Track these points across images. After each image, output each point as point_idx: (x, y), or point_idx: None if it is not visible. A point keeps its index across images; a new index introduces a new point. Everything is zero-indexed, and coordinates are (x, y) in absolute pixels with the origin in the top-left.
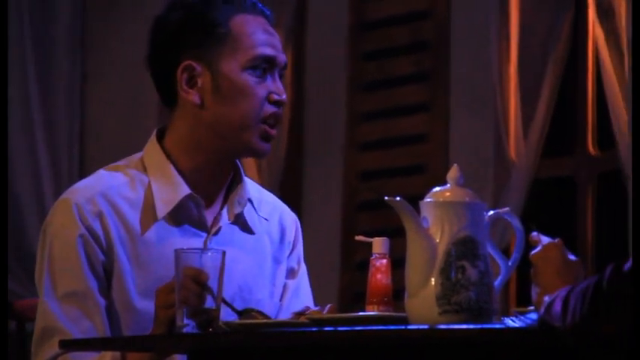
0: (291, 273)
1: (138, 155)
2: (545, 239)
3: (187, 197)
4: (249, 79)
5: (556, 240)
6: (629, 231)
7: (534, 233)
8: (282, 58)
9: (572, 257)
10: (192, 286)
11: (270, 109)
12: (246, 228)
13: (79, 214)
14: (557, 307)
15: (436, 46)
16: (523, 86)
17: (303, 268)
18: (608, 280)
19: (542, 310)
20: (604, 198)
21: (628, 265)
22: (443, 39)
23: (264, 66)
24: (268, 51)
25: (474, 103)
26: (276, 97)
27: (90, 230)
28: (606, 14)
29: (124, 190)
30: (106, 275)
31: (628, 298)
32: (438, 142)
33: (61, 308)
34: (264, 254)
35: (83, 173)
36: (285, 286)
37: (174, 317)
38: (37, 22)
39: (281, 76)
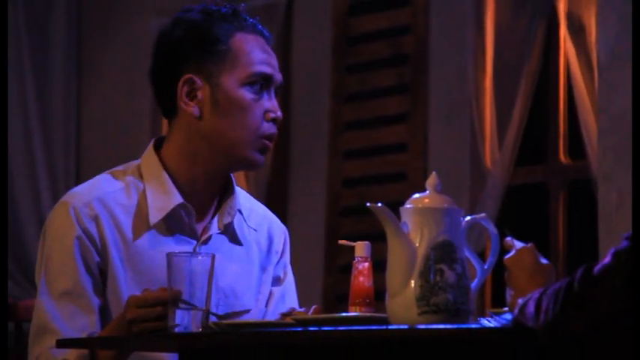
0: (277, 281)
1: (135, 162)
2: (519, 244)
3: (179, 206)
4: (246, 94)
5: (529, 245)
6: (599, 237)
7: (508, 238)
8: (279, 77)
9: (544, 261)
10: (135, 312)
11: (267, 127)
12: (234, 238)
13: (76, 217)
14: (531, 308)
15: (416, 60)
16: (498, 98)
17: (290, 276)
18: (579, 281)
19: (516, 311)
20: (574, 205)
21: (598, 267)
22: (422, 53)
23: (261, 83)
24: (266, 69)
25: (451, 113)
26: (272, 115)
27: (86, 233)
28: (577, 30)
29: (120, 196)
30: (101, 276)
31: (597, 298)
32: (417, 151)
33: (56, 307)
34: (252, 263)
35: (79, 179)
36: (271, 293)
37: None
38: (34, 27)
39: (276, 95)
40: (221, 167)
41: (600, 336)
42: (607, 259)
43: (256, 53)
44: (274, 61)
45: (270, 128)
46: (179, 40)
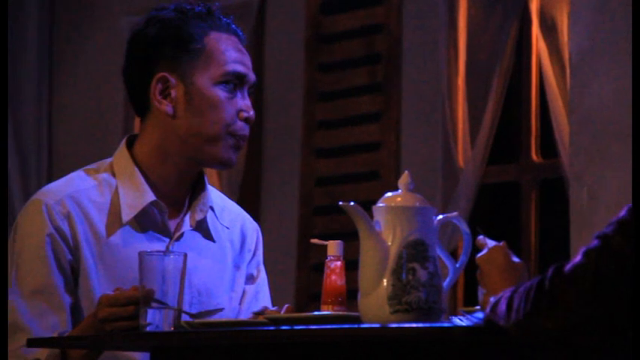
0: (250, 279)
1: (108, 160)
2: (491, 242)
3: (152, 203)
4: (220, 93)
5: (501, 243)
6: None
7: (480, 237)
8: (252, 76)
9: (516, 259)
10: (107, 311)
11: (240, 126)
12: (207, 235)
13: (48, 214)
14: (502, 306)
15: (389, 59)
16: (470, 97)
17: (263, 274)
18: (550, 280)
19: (488, 309)
20: (546, 203)
21: (568, 266)
22: (395, 52)
23: (234, 82)
24: (239, 68)
25: (424, 112)
26: (245, 114)
27: (58, 230)
28: (549, 29)
29: (92, 194)
30: (72, 274)
31: (568, 297)
32: (390, 150)
33: (27, 305)
34: (225, 261)
35: (51, 177)
36: (244, 291)
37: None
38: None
39: (250, 94)
40: (193, 165)
41: (571, 334)
42: (578, 258)
43: (230, 52)
44: (248, 61)
45: (243, 128)
46: (153, 39)
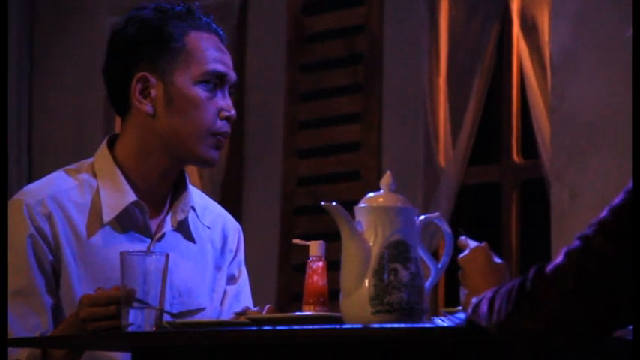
0: (231, 279)
1: (89, 160)
2: (473, 243)
3: (133, 204)
4: (200, 92)
5: (482, 244)
6: (551, 236)
7: (462, 237)
8: (233, 75)
9: (497, 260)
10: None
11: (221, 125)
12: (188, 236)
13: (29, 214)
14: (484, 307)
15: (370, 59)
16: (452, 97)
17: (244, 275)
18: (531, 280)
19: (470, 310)
20: (527, 204)
21: (550, 267)
22: (376, 52)
23: (215, 81)
24: (220, 67)
25: (405, 113)
26: (226, 113)
27: (39, 231)
28: (530, 30)
29: (73, 195)
30: (54, 274)
31: (549, 297)
32: (371, 150)
33: (9, 306)
34: (206, 261)
35: (31, 177)
36: (225, 292)
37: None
38: None
39: (230, 94)
40: (174, 164)
41: (552, 334)
42: (559, 259)
43: (210, 52)
44: (228, 60)
45: (223, 126)
46: (133, 38)
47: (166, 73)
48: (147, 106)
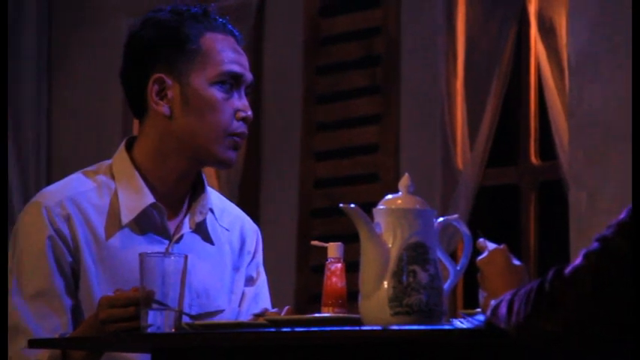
0: (249, 281)
1: (107, 162)
2: (491, 245)
3: (151, 206)
4: (216, 93)
5: (501, 246)
6: (570, 238)
7: (481, 240)
8: (249, 76)
9: (516, 262)
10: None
11: (237, 126)
12: (207, 237)
13: (48, 216)
14: (503, 309)
15: (387, 61)
16: (469, 99)
17: (263, 276)
18: (550, 282)
19: (489, 312)
20: (546, 206)
21: (569, 269)
22: (394, 54)
23: (231, 82)
24: (236, 68)
25: (423, 115)
26: (242, 114)
27: (58, 232)
28: (548, 32)
29: (92, 196)
30: (73, 276)
31: (568, 299)
32: (389, 152)
33: (28, 307)
34: (224, 262)
35: (50, 179)
36: (243, 294)
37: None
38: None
39: (247, 94)
40: (192, 166)
41: (571, 336)
42: (578, 261)
43: (226, 52)
44: (244, 61)
45: (240, 127)
46: (149, 40)
47: (182, 75)
48: (163, 108)
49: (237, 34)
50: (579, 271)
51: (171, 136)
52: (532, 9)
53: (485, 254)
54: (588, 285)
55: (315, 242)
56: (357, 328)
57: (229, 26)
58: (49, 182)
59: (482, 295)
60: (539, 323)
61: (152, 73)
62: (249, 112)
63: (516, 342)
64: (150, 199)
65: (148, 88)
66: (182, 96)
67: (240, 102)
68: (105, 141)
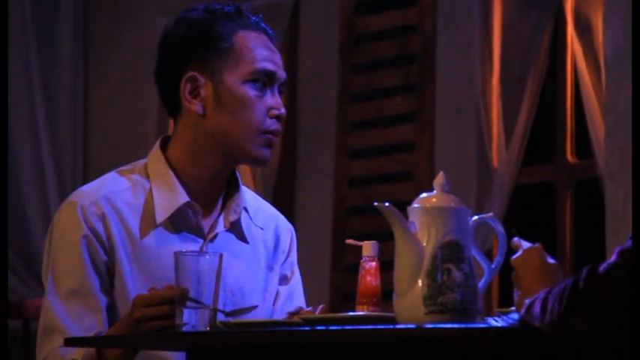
0: (284, 280)
1: (142, 161)
2: (526, 244)
3: (186, 204)
4: (249, 91)
5: (536, 245)
6: (606, 236)
7: (515, 239)
8: (282, 74)
9: (551, 261)
10: (142, 311)
11: (270, 123)
12: (241, 236)
13: (83, 215)
14: (537, 307)
15: (422, 60)
16: (505, 97)
17: (297, 275)
18: (584, 280)
19: (523, 310)
20: (582, 204)
21: (603, 266)
22: (429, 52)
23: (264, 80)
24: (269, 66)
25: (458, 113)
26: (275, 111)
27: (93, 231)
28: (584, 29)
29: (127, 195)
30: (108, 275)
31: (602, 297)
32: (424, 151)
33: (63, 306)
34: (259, 261)
35: (86, 178)
36: (278, 292)
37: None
38: (41, 27)
39: (281, 92)
40: (226, 164)
41: (605, 335)
42: (612, 258)
43: (259, 50)
44: (278, 59)
45: (273, 124)
46: (182, 39)
47: (215, 73)
48: (196, 106)
49: (270, 31)
50: (614, 268)
51: (205, 134)
52: (568, 6)
53: (519, 253)
54: (622, 282)
55: (349, 241)
56: (392, 326)
57: (262, 24)
58: (85, 182)
59: (516, 293)
60: (573, 321)
61: (185, 71)
62: (283, 110)
63: (550, 340)
64: (184, 197)
65: (180, 87)
66: (215, 94)
67: (274, 100)
68: (140, 140)
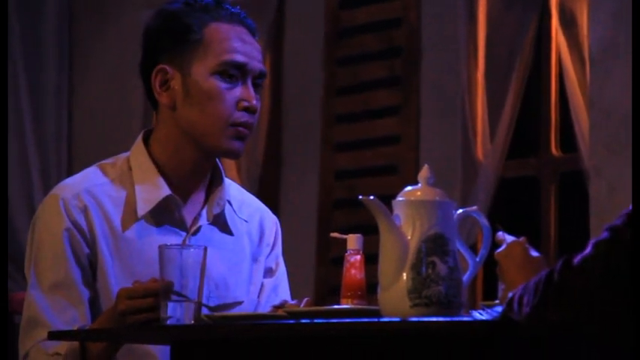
0: (269, 272)
1: (125, 155)
2: (510, 238)
3: (167, 197)
4: (217, 83)
5: (520, 238)
6: (590, 229)
7: (499, 233)
8: (256, 66)
9: (535, 254)
10: (126, 304)
11: (239, 115)
12: (225, 229)
13: (65, 208)
14: (517, 300)
15: (407, 53)
16: (490, 91)
17: (282, 268)
18: (559, 272)
19: (505, 304)
20: (566, 197)
21: (577, 258)
22: (414, 46)
23: (233, 72)
24: (238, 58)
25: (443, 106)
26: (245, 103)
27: (75, 224)
28: (569, 23)
29: (109, 189)
30: (90, 267)
31: (576, 289)
32: (409, 144)
33: (46, 299)
34: (243, 254)
35: (71, 172)
36: (263, 285)
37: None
38: (26, 21)
39: (257, 85)
40: (201, 157)
41: (578, 326)
42: (587, 250)
43: (230, 42)
44: (253, 50)
45: (242, 116)
46: (154, 31)
47: (185, 65)
48: (166, 99)
49: (250, 23)
50: (588, 260)
51: (177, 127)
52: (553, 0)
53: (503, 247)
54: (597, 274)
55: (334, 234)
56: (376, 319)
57: (241, 15)
58: (69, 174)
59: (501, 287)
60: (546, 312)
61: (157, 64)
62: (254, 102)
63: (528, 332)
64: (165, 191)
65: (151, 79)
66: (184, 86)
67: (244, 92)
68: (126, 135)
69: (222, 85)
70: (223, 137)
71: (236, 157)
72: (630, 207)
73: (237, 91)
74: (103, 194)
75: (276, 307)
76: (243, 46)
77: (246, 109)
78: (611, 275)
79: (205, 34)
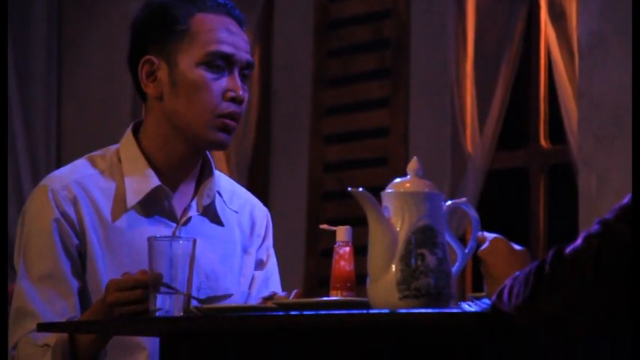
0: (260, 264)
1: (114, 147)
2: (490, 235)
3: (157, 188)
4: (203, 74)
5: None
6: (579, 221)
7: (479, 233)
8: (243, 56)
9: (518, 247)
10: (116, 296)
11: (226, 106)
12: (215, 219)
13: (54, 199)
14: (506, 292)
15: (397, 45)
16: (479, 83)
17: (273, 260)
18: (550, 263)
19: (494, 296)
20: (555, 188)
21: (568, 250)
22: (403, 37)
23: (219, 63)
24: (225, 48)
25: (432, 98)
26: (231, 94)
27: (64, 215)
28: (558, 15)
29: (98, 180)
30: (80, 258)
31: (567, 280)
32: (399, 135)
33: (35, 290)
34: (233, 245)
35: (60, 164)
36: (254, 277)
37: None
38: (14, 11)
39: (244, 76)
40: (188, 148)
41: (569, 318)
42: (578, 242)
43: (216, 33)
44: (240, 41)
45: (229, 107)
46: (141, 22)
47: (171, 56)
48: (153, 90)
49: (236, 13)
50: (580, 253)
51: (164, 118)
52: None
53: (486, 244)
54: (589, 268)
55: (323, 226)
56: (365, 311)
57: (228, 6)
58: (58, 166)
59: (487, 284)
60: (537, 305)
61: (143, 54)
62: (241, 92)
63: (518, 325)
64: (155, 182)
65: (138, 70)
66: (170, 77)
67: (231, 82)
68: (115, 126)
69: (209, 75)
70: (209, 128)
71: (222, 148)
72: (623, 201)
73: (224, 82)
74: (93, 185)
75: (266, 299)
76: (229, 36)
77: (233, 100)
78: (603, 270)
79: (192, 25)
